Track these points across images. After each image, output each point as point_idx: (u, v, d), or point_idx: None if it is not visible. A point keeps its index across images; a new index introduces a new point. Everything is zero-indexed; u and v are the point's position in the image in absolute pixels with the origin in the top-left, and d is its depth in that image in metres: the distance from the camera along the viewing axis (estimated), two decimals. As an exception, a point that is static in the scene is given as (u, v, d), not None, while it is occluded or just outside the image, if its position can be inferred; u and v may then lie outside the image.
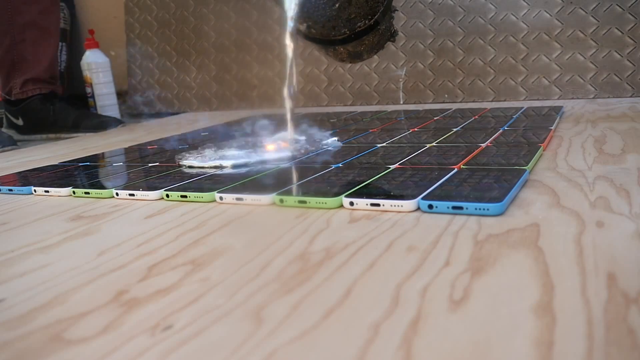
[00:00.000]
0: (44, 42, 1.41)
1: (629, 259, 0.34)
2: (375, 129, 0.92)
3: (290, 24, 0.75)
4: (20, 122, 1.46)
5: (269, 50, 1.53)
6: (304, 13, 0.76)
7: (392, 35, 0.98)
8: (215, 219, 0.50)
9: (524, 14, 1.23)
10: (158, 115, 1.67)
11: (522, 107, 1.04)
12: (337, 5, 0.78)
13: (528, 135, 0.75)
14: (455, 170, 0.57)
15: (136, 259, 0.41)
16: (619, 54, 1.16)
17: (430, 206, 0.46)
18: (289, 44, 0.76)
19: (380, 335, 0.27)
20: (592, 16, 1.18)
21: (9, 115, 1.48)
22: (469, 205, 0.44)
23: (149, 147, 0.95)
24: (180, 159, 0.75)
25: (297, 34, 0.77)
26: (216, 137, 0.98)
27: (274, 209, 0.52)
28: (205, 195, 0.56)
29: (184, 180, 0.63)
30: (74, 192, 0.64)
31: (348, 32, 0.82)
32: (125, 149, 0.98)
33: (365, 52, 0.95)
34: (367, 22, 0.82)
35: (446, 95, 1.32)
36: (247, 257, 0.40)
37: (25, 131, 1.46)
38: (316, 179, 0.59)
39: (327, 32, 0.82)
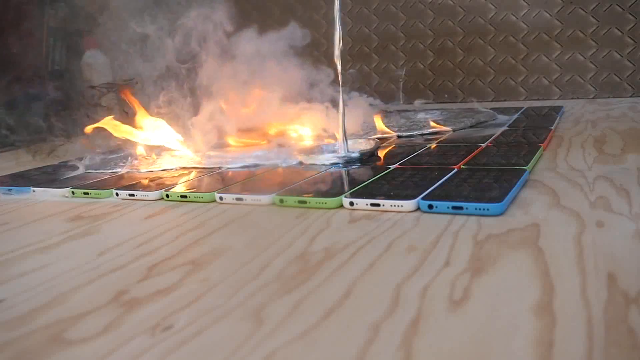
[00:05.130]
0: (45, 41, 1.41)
1: (629, 259, 0.34)
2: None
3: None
4: None
5: (269, 50, 1.52)
6: None
7: None
8: (215, 219, 0.50)
9: (524, 14, 1.23)
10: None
11: (522, 107, 1.04)
12: None
13: (528, 135, 0.75)
14: (455, 170, 0.57)
15: (136, 259, 0.41)
16: (619, 54, 1.16)
17: (430, 206, 0.46)
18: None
19: (380, 335, 0.27)
20: (592, 16, 1.17)
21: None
22: (469, 205, 0.44)
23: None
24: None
25: None
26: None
27: (274, 209, 0.52)
28: (205, 195, 0.56)
29: (183, 180, 0.63)
30: (73, 193, 0.64)
31: None
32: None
33: None
34: None
35: (446, 96, 1.32)
36: (247, 257, 0.40)
37: None
38: (316, 179, 0.59)
39: None
